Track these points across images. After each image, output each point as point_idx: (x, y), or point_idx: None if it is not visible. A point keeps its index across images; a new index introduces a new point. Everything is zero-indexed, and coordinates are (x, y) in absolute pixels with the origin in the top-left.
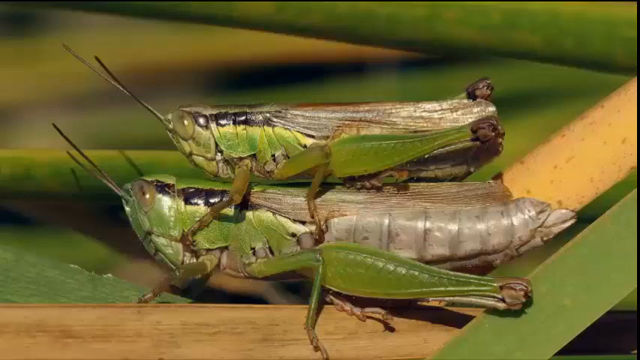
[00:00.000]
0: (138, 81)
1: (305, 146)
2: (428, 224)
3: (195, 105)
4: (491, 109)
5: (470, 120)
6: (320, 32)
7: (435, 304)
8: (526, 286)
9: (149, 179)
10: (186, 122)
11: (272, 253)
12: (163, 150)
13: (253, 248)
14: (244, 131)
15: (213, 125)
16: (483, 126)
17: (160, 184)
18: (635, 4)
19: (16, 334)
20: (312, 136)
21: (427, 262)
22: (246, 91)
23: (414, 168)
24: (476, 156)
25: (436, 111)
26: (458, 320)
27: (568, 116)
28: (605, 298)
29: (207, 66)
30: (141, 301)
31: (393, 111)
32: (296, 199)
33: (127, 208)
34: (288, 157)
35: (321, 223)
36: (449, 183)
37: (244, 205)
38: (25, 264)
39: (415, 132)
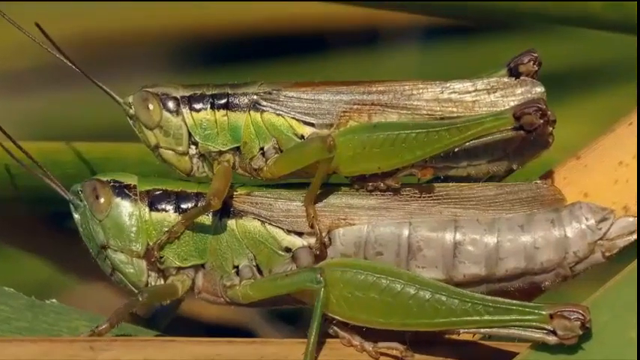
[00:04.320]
0: (91, 55)
1: (302, 137)
2: (458, 236)
3: (163, 85)
4: (539, 89)
5: (512, 104)
6: None
7: (468, 337)
8: (583, 315)
9: (104, 179)
10: (150, 106)
11: (260, 272)
12: (123, 142)
13: (237, 266)
14: (225, 118)
15: (185, 110)
16: (529, 111)
17: (117, 185)
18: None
19: None
20: (312, 124)
21: (457, 285)
22: (227, 68)
23: (440, 164)
24: (519, 149)
25: (469, 92)
26: (496, 358)
27: (635, 99)
28: None
29: (178, 36)
30: (94, 334)
31: (415, 92)
32: (291, 204)
33: (77, 216)
34: (281, 151)
35: (323, 234)
36: (485, 184)
37: (225, 211)
38: None
39: (442, 119)
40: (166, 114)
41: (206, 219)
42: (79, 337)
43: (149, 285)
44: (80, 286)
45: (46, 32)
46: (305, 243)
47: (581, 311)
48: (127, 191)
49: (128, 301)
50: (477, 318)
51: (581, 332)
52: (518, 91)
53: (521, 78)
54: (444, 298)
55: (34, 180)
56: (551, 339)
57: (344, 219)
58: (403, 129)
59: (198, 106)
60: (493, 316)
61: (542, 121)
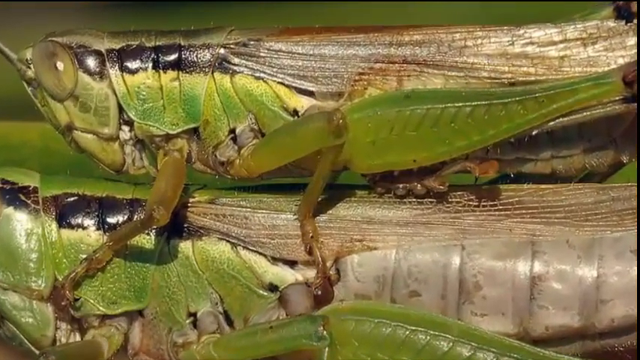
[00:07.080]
0: None
1: (295, 112)
2: (537, 266)
3: (79, 32)
4: None
5: (620, 62)
6: None
7: None
8: None
9: None
10: (59, 65)
11: (231, 323)
12: (18, 121)
13: (194, 314)
14: (175, 83)
15: (113, 71)
16: None
17: (9, 187)
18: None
19: None
20: (310, 93)
21: (536, 342)
22: (181, 7)
23: (510, 156)
24: (631, 133)
25: (554, 44)
26: None
27: None
28: None
29: None
30: None
31: (470, 44)
32: (277, 217)
33: None
34: (263, 135)
35: (328, 264)
36: (579, 185)
37: (176, 229)
38: None
39: (512, 84)
40: (84, 77)
41: (146, 240)
42: None
43: (58, 342)
44: None
45: None
46: (299, 277)
47: None
48: (22, 197)
49: None
50: None
51: None
52: (630, 41)
53: (634, 22)
54: None
55: None
56: None
57: (360, 240)
58: (451, 101)
59: (133, 64)
60: None
61: None
